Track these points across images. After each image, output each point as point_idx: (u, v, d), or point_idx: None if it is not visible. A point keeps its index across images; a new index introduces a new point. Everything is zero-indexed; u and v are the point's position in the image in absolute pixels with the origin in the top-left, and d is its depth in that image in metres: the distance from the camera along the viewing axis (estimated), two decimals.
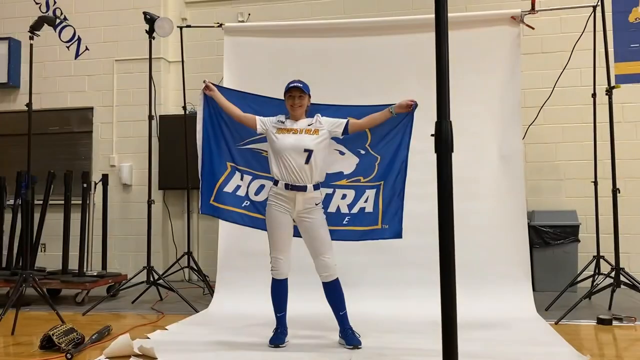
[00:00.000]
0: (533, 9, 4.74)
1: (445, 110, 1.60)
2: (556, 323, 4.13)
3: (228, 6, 7.06)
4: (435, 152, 1.60)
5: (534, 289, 4.74)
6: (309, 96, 3.69)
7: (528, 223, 5.05)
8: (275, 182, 3.56)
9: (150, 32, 5.30)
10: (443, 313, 1.56)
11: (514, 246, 4.71)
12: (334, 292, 3.54)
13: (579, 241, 5.64)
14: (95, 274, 5.62)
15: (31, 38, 4.23)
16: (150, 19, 5.29)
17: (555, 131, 6.21)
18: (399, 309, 4.41)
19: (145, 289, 5.10)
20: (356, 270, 4.75)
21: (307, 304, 4.04)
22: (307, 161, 3.49)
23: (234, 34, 5.31)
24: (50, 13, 7.17)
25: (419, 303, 4.35)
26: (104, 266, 5.94)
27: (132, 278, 5.38)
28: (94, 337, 3.67)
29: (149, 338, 3.75)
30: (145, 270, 5.11)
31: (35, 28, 4.24)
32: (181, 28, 5.71)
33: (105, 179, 6.15)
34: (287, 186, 3.50)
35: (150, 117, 5.37)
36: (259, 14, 6.85)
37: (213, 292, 5.01)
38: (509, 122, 4.81)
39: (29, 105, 4.30)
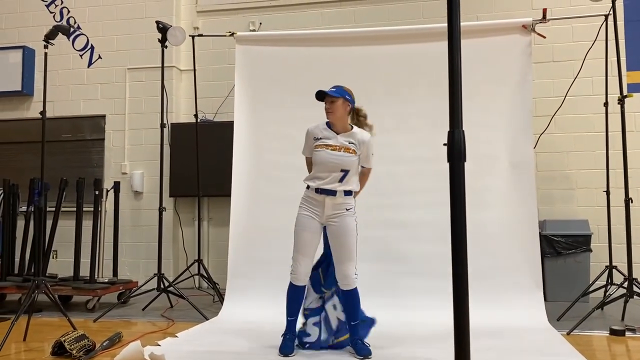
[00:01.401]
0: (544, 18, 4.75)
1: (458, 119, 1.60)
2: (568, 333, 4.10)
3: (239, 15, 7.11)
4: (448, 161, 1.59)
5: (545, 299, 4.71)
6: (346, 99, 3.55)
7: (539, 232, 5.02)
8: (308, 186, 3.56)
9: (163, 40, 5.35)
10: (455, 323, 1.55)
11: (525, 255, 4.68)
12: (348, 300, 3.52)
13: (590, 251, 5.59)
14: (106, 280, 5.64)
15: (46, 47, 4.28)
16: (162, 28, 5.34)
17: (567, 140, 6.18)
18: (410, 318, 4.39)
19: (155, 296, 5.12)
20: (367, 279, 4.73)
21: None
22: (342, 179, 3.48)
23: (245, 43, 5.35)
24: (64, 22, 7.25)
25: (429, 312, 4.34)
26: (115, 273, 5.97)
27: (142, 285, 5.40)
28: (104, 344, 3.69)
29: (159, 345, 3.75)
30: (156, 278, 5.13)
31: (49, 37, 4.28)
32: (193, 37, 5.76)
33: (116, 186, 6.19)
34: (318, 190, 3.49)
35: (162, 125, 5.41)
36: (270, 23, 6.90)
37: (223, 299, 5.02)
38: (520, 130, 4.80)
39: (42, 113, 4.34)
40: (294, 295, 3.56)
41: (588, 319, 4.29)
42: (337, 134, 3.55)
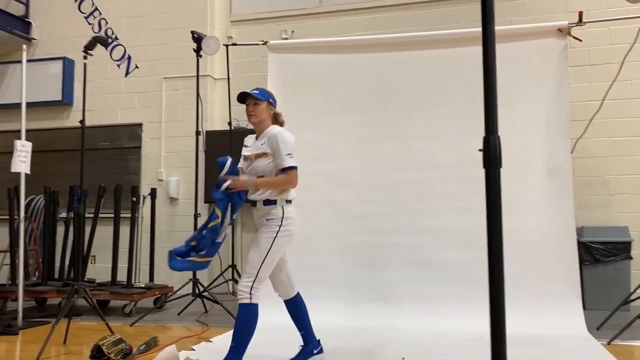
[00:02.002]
0: (580, 21, 4.67)
1: (494, 125, 1.58)
2: (608, 343, 3.99)
3: (272, 24, 7.19)
4: (484, 167, 1.58)
5: (584, 307, 4.60)
6: (270, 103, 3.34)
7: (577, 239, 4.92)
8: None
9: (198, 50, 5.46)
10: (492, 331, 1.53)
11: (563, 263, 4.59)
12: (238, 317, 3.14)
13: (631, 258, 5.45)
14: (142, 285, 5.74)
15: (85, 57, 4.40)
16: (197, 38, 5.44)
17: (605, 145, 6.04)
18: (441, 326, 4.35)
19: (190, 301, 5.18)
20: (396, 286, 4.73)
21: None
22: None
23: (278, 51, 5.40)
24: (102, 33, 7.44)
25: (461, 320, 4.29)
26: (151, 278, 6.07)
27: (178, 290, 5.48)
28: (141, 348, 3.75)
29: (194, 350, 3.80)
30: (191, 283, 5.20)
31: (89, 48, 4.41)
32: (227, 46, 5.85)
33: (153, 192, 6.31)
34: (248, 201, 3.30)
35: (197, 133, 5.50)
36: (302, 31, 6.94)
37: None
38: (556, 135, 4.73)
39: (82, 122, 4.46)
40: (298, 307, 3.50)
41: (629, 328, 4.16)
42: (257, 138, 3.37)
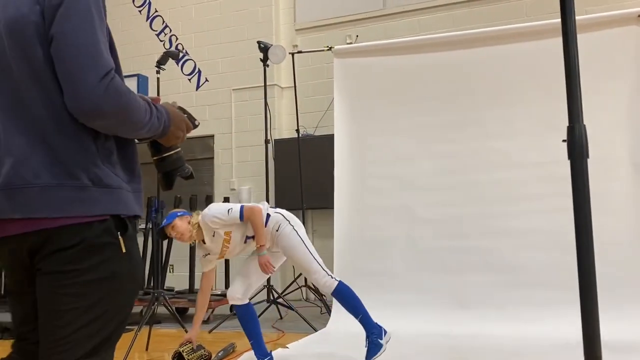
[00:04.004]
0: None
1: (578, 113, 1.49)
2: None
3: (336, 30, 7.20)
4: (569, 158, 1.48)
5: None
6: (179, 216, 3.46)
7: None
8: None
9: (265, 60, 5.52)
10: (585, 337, 1.43)
11: None
12: (342, 297, 3.51)
13: None
14: (219, 293, 5.85)
15: (158, 72, 4.56)
16: (264, 48, 5.51)
17: None
18: (527, 331, 4.16)
19: (265, 307, 5.23)
20: (476, 291, 4.57)
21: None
22: (250, 238, 3.51)
23: (343, 56, 5.39)
24: (174, 48, 7.70)
25: (545, 324, 4.10)
26: (227, 285, 6.17)
27: (253, 297, 5.53)
28: (220, 354, 3.82)
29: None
30: (266, 289, 5.24)
31: (161, 62, 4.56)
32: (293, 54, 5.89)
33: (226, 202, 6.42)
34: None
35: (267, 142, 5.57)
36: (366, 35, 6.90)
37: (330, 311, 5.03)
38: None
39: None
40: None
41: None
42: (204, 242, 3.52)
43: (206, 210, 3.44)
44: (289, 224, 3.51)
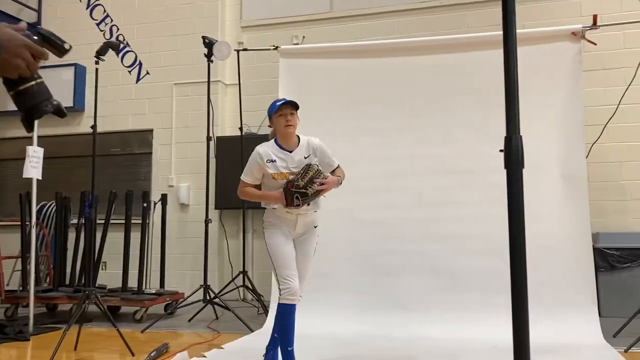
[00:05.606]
0: (595, 25, 4.61)
1: (515, 125, 1.55)
2: (626, 351, 3.91)
3: (283, 30, 7.18)
4: (505, 167, 1.54)
5: (599, 315, 4.52)
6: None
7: (592, 245, 4.84)
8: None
9: (209, 55, 5.44)
10: (515, 339, 1.48)
11: (578, 269, 4.53)
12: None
13: None
14: (153, 292, 5.73)
15: (97, 63, 4.40)
16: (209, 43, 5.43)
17: (620, 149, 5.96)
18: (463, 333, 4.29)
19: (201, 307, 5.15)
20: (414, 293, 4.67)
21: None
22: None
23: (289, 56, 5.39)
24: (114, 39, 7.47)
25: (482, 328, 4.23)
26: (162, 284, 6.05)
27: (189, 296, 5.46)
28: (152, 355, 3.72)
29: (205, 357, 3.77)
30: (202, 289, 5.17)
31: (100, 53, 4.41)
32: (238, 51, 5.83)
33: (164, 198, 6.29)
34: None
35: (208, 139, 5.48)
36: (313, 36, 6.93)
37: (268, 311, 5.01)
38: (571, 140, 4.68)
39: (93, 127, 4.46)
40: (292, 317, 3.16)
41: None
42: (290, 151, 3.29)
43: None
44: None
